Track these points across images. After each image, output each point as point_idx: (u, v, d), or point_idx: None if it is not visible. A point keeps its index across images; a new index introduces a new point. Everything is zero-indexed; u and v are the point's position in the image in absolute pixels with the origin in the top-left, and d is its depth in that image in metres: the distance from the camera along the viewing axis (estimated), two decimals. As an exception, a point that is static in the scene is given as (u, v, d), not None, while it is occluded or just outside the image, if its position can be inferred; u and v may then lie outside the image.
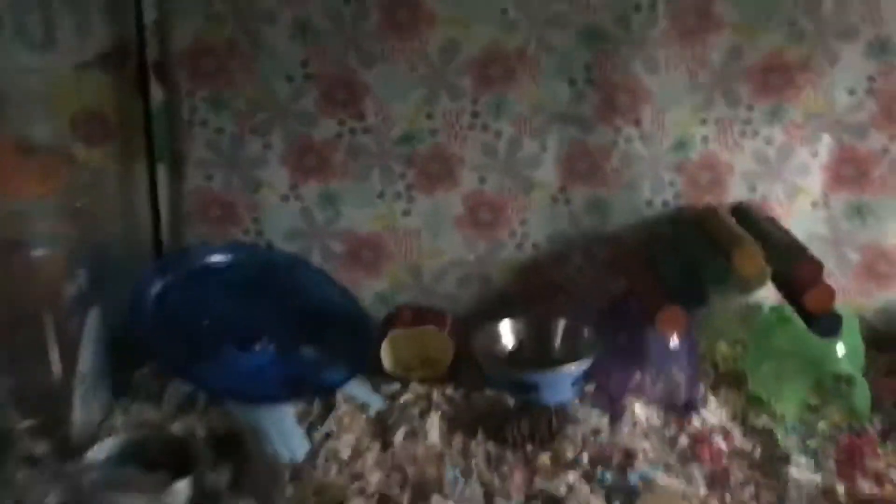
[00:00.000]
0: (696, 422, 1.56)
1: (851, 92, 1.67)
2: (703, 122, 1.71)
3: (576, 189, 1.76)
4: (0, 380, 1.27)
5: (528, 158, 1.74)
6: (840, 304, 1.57)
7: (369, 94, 1.69)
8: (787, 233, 1.64)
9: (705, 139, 1.72)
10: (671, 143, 1.72)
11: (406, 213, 1.76)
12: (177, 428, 1.39)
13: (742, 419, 1.58)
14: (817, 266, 1.53)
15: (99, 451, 1.20)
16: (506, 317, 1.75)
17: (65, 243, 1.51)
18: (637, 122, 1.70)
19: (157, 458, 1.30)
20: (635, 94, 1.68)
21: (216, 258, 1.66)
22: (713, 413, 1.59)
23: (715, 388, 1.67)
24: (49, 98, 1.62)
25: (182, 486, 1.22)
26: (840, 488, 1.38)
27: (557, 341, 1.71)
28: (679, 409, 1.58)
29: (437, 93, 1.70)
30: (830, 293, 1.53)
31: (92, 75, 1.63)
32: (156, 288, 1.52)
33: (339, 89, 1.69)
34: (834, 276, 1.76)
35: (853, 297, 1.78)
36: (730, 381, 1.69)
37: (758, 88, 1.68)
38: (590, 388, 1.64)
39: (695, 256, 1.64)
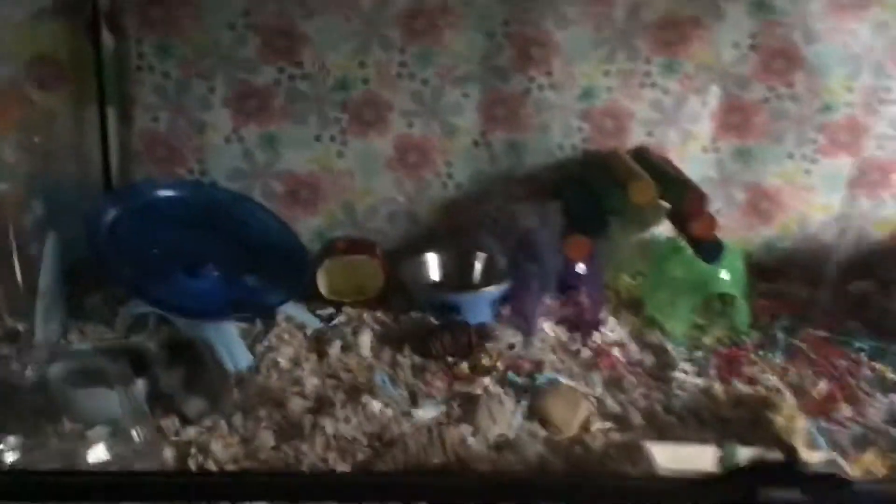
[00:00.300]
0: (597, 338, 1.77)
1: (736, 46, 1.88)
2: (607, 73, 1.90)
3: (494, 133, 1.93)
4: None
5: (451, 105, 1.91)
6: (728, 238, 1.80)
7: (307, 43, 1.84)
8: (678, 171, 1.85)
9: (609, 89, 1.91)
10: (579, 92, 1.91)
11: (340, 154, 1.92)
12: (132, 340, 1.54)
13: (638, 336, 1.79)
14: (702, 198, 1.74)
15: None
16: (432, 250, 1.93)
17: (22, 177, 1.63)
18: (548, 73, 1.88)
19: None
20: (546, 47, 1.86)
21: (164, 193, 1.79)
22: (613, 331, 1.80)
23: (616, 312, 1.87)
24: (5, 43, 1.72)
25: (140, 383, 1.38)
26: (718, 388, 1.61)
27: (478, 270, 1.89)
28: (584, 327, 1.79)
29: (370, 43, 1.86)
30: (712, 221, 1.74)
31: (47, 23, 1.74)
32: (109, 216, 1.65)
33: (279, 38, 1.83)
34: (722, 213, 1.99)
35: (740, 232, 2.01)
36: (630, 306, 1.90)
37: (655, 43, 1.88)
38: (506, 310, 1.83)
39: (598, 191, 1.83)
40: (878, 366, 1.68)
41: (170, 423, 1.39)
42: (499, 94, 1.89)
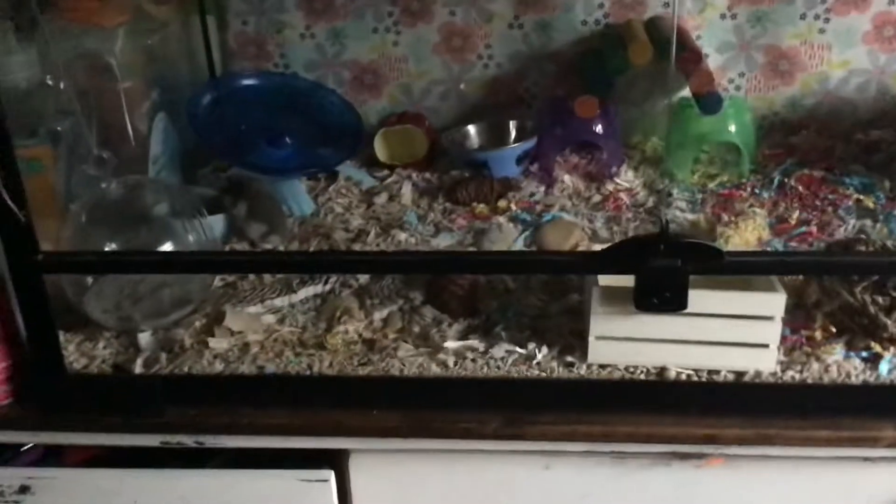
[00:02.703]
0: (611, 187, 2.02)
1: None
2: (623, -47, 2.10)
3: (526, 15, 2.18)
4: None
5: (486, -7, 2.19)
6: (752, 98, 2.08)
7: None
8: (685, 36, 2.03)
9: (627, -34, 2.11)
10: (598, -30, 2.13)
11: (396, 44, 2.25)
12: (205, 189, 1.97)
13: (651, 185, 2.03)
14: (697, 55, 1.93)
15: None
16: (477, 122, 2.22)
17: (141, 74, 2.07)
18: (574, -42, 2.11)
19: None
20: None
21: (252, 81, 2.20)
22: (627, 181, 2.04)
23: (637, 167, 2.10)
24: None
25: (219, 218, 1.81)
26: (702, 219, 1.83)
27: (511, 136, 2.17)
28: (598, 178, 2.04)
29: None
30: (709, 76, 1.93)
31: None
32: (206, 99, 2.08)
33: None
34: (746, 76, 2.16)
35: (763, 91, 2.17)
36: (652, 162, 2.12)
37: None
38: (533, 167, 2.11)
39: (607, 57, 2.06)
40: (862, 197, 1.83)
41: (239, 247, 1.82)
42: (526, -21, 2.15)
